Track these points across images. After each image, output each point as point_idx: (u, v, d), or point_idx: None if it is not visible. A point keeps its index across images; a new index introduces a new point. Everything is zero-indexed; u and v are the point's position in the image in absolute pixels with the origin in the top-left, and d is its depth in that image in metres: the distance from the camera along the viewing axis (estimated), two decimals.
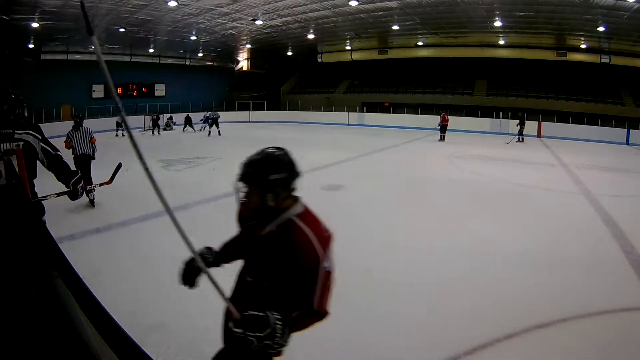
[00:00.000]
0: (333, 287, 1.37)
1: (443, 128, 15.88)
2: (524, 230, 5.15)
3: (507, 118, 20.33)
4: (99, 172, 5.90)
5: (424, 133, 18.81)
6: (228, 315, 1.45)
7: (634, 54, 19.03)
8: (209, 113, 18.55)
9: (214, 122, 16.81)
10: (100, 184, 3.56)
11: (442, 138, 15.86)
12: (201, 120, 19.93)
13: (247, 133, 18.32)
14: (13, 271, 0.77)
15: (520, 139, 16.10)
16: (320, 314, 1.36)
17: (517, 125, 16.32)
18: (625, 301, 3.27)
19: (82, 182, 2.84)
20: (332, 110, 25.17)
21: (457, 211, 6.05)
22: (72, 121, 6.31)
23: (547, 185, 7.89)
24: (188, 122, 19.76)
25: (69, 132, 6.24)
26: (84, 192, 3.15)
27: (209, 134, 16.89)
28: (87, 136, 6.25)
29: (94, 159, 6.32)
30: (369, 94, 26.47)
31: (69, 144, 6.19)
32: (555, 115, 19.84)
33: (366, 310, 3.09)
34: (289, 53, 27.62)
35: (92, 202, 5.86)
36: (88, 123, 17.13)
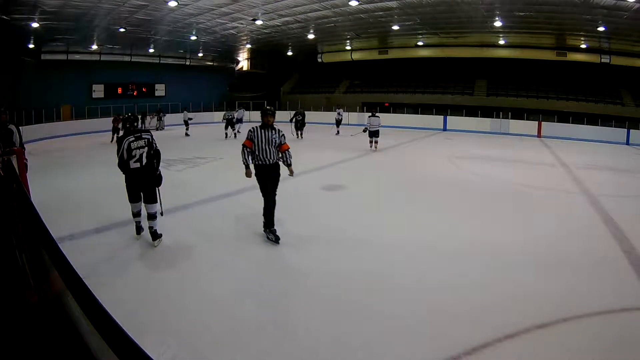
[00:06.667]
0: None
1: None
2: (524, 230, 5.15)
3: (507, 118, 20.37)
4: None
5: (424, 133, 18.82)
6: None
7: (634, 54, 19.01)
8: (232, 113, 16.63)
9: (229, 122, 15.68)
10: None
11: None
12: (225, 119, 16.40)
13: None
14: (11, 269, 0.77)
15: None
16: None
17: None
18: (626, 301, 3.26)
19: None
20: (332, 110, 25.16)
21: (457, 211, 6.06)
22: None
23: (547, 185, 7.89)
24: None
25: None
26: None
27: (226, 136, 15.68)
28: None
29: None
30: (369, 94, 26.44)
31: None
32: (555, 115, 19.84)
33: (366, 310, 3.09)
34: (289, 53, 27.59)
35: None
36: (88, 123, 16.97)
